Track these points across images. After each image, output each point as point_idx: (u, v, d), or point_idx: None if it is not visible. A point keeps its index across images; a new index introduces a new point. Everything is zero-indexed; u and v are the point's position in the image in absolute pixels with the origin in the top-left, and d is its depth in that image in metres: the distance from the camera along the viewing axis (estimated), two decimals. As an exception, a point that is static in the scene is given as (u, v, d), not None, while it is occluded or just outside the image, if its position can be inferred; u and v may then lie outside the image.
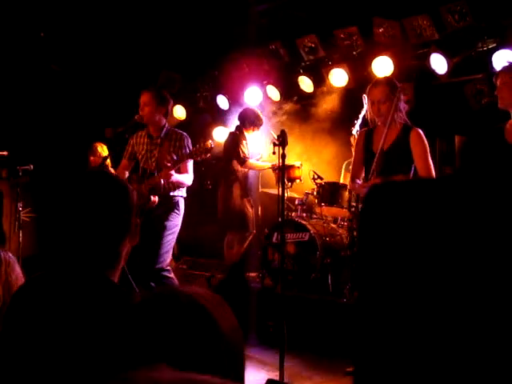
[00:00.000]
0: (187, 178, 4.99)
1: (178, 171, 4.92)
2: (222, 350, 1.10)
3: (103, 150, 7.16)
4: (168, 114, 5.17)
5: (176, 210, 4.99)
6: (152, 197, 4.84)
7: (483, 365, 0.93)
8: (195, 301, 1.13)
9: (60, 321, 1.47)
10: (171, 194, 4.96)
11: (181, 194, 5.05)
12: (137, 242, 1.76)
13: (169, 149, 4.92)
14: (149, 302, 1.13)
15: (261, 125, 6.69)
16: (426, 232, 1.01)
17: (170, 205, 4.96)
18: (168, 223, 4.93)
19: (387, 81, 4.46)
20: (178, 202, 5.01)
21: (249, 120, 6.62)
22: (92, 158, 6.99)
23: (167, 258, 5.00)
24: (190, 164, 5.01)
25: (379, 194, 1.12)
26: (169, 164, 4.74)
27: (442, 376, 0.98)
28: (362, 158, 4.47)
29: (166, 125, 5.10)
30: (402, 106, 4.30)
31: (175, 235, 5.03)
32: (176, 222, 5.00)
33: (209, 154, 4.84)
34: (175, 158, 4.80)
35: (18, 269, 2.22)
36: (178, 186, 4.95)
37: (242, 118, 6.69)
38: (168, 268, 4.99)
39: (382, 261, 1.05)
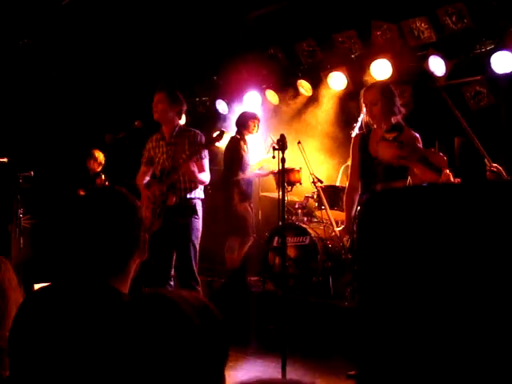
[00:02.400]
0: (204, 176, 4.98)
1: (201, 168, 4.92)
2: (203, 355, 1.11)
3: (100, 156, 7.22)
4: (181, 114, 5.16)
5: (195, 215, 4.96)
6: (170, 195, 4.84)
7: (483, 365, 0.93)
8: (177, 306, 1.14)
9: (64, 331, 1.48)
10: (189, 196, 4.93)
11: (198, 195, 5.02)
12: (146, 257, 1.78)
13: (184, 147, 4.91)
14: (134, 305, 1.14)
15: (258, 119, 6.67)
16: (423, 237, 1.01)
17: (189, 210, 4.94)
18: (191, 228, 4.92)
19: (379, 84, 4.57)
20: (195, 204, 4.98)
21: (246, 119, 6.62)
22: (91, 163, 7.07)
23: (196, 262, 4.98)
24: (206, 162, 4.99)
25: (377, 200, 1.12)
26: (184, 156, 4.75)
27: (442, 377, 0.98)
28: (358, 163, 4.47)
29: (179, 124, 5.10)
30: (398, 109, 4.31)
31: (199, 239, 5.01)
32: (198, 225, 4.98)
33: (219, 141, 4.90)
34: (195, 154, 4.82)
35: (11, 273, 2.23)
36: (195, 182, 4.91)
37: (239, 121, 6.69)
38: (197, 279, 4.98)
39: (380, 266, 1.06)
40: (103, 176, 7.10)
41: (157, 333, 1.09)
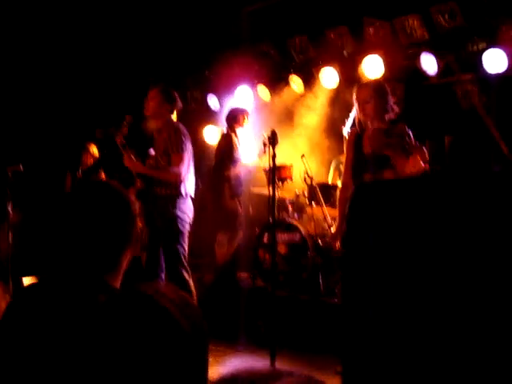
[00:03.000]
0: (167, 172, 4.82)
1: (169, 164, 4.82)
2: (184, 348, 1.10)
3: (94, 150, 7.15)
4: (172, 112, 5.05)
5: (167, 211, 4.84)
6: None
7: (474, 362, 0.93)
8: (156, 302, 1.14)
9: (55, 328, 1.47)
10: (159, 193, 4.88)
11: (170, 191, 4.85)
12: (138, 253, 1.79)
13: (162, 142, 4.88)
14: (112, 304, 1.14)
15: (247, 113, 6.66)
16: (413, 229, 1.01)
17: (160, 206, 4.87)
18: (176, 226, 4.83)
19: (372, 82, 4.61)
20: (166, 201, 4.85)
21: (235, 113, 6.61)
22: (84, 157, 7.01)
23: (183, 257, 4.89)
24: (179, 157, 4.80)
25: (366, 192, 1.12)
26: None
27: (429, 374, 0.98)
28: (352, 161, 4.46)
29: (169, 121, 5.01)
30: (391, 107, 4.32)
31: (182, 229, 4.87)
32: (181, 219, 4.86)
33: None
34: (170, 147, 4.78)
35: None
36: (157, 179, 4.83)
37: (229, 116, 6.68)
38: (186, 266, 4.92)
39: (368, 259, 1.05)
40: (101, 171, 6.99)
41: (135, 331, 1.09)
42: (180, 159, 4.80)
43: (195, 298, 4.88)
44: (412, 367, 1.01)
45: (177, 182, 4.81)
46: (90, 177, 6.84)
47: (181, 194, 4.86)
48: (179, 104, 5.15)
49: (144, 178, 4.92)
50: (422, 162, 4.03)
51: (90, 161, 7.16)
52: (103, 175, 6.69)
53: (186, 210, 4.93)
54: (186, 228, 4.92)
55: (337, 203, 4.78)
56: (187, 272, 4.90)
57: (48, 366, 1.44)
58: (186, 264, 4.90)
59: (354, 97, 4.40)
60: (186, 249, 4.96)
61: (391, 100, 4.38)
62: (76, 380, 1.34)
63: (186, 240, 4.94)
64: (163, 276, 5.01)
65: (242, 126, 6.62)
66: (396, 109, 4.36)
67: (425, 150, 4.18)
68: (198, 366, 1.14)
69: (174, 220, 4.83)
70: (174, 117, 5.05)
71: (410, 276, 1.02)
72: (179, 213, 4.86)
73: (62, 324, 1.48)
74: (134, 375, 1.04)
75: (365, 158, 4.28)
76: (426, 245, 1.01)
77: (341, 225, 4.39)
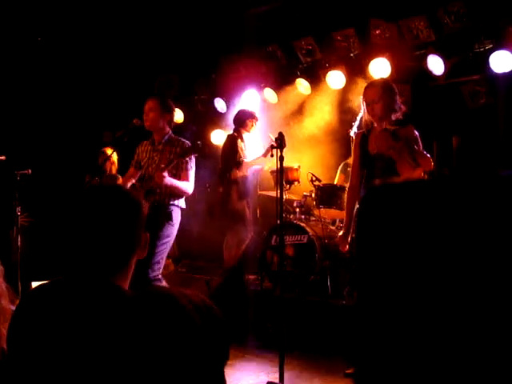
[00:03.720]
0: (186, 186, 4.93)
1: (178, 179, 4.88)
2: (204, 354, 1.11)
3: (113, 156, 7.07)
4: (172, 122, 5.12)
5: (170, 221, 4.89)
6: (145, 202, 4.82)
7: (484, 365, 0.93)
8: (177, 301, 1.14)
9: (67, 329, 1.48)
10: (167, 201, 4.89)
11: (177, 203, 4.95)
12: (145, 255, 1.79)
13: (169, 156, 4.90)
14: (137, 302, 1.15)
15: (256, 118, 6.67)
16: (423, 233, 1.01)
17: (164, 214, 4.88)
18: (161, 233, 4.82)
19: (381, 82, 4.53)
20: (172, 211, 4.91)
21: (244, 117, 6.62)
22: (106, 163, 6.97)
23: (158, 268, 4.85)
24: (191, 173, 4.95)
25: (377, 195, 1.12)
26: (162, 165, 4.74)
27: (443, 377, 0.98)
28: (359, 162, 4.44)
29: (170, 132, 5.07)
30: (398, 106, 4.31)
31: (168, 246, 4.92)
32: (169, 232, 4.89)
33: (196, 154, 4.85)
34: (180, 164, 4.81)
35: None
36: (175, 191, 4.89)
37: (237, 119, 6.69)
38: (159, 277, 4.87)
39: (380, 262, 1.05)
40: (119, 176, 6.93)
41: (159, 330, 1.09)
42: (193, 176, 4.98)
43: None
44: (426, 369, 1.01)
45: (185, 196, 4.99)
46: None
47: (182, 207, 5.01)
48: (175, 113, 5.27)
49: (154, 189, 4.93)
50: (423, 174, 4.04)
51: (109, 165, 7.05)
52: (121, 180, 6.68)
53: (178, 222, 5.01)
54: (173, 239, 4.99)
55: (344, 205, 4.76)
56: (161, 282, 4.92)
57: (62, 365, 1.44)
58: (160, 276, 4.91)
59: (362, 97, 4.39)
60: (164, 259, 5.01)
61: (399, 100, 4.38)
62: (89, 378, 1.35)
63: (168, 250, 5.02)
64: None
65: (248, 131, 6.63)
66: (403, 108, 4.35)
67: (431, 159, 4.17)
68: (216, 371, 1.14)
69: (165, 229, 4.87)
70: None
71: (425, 279, 1.01)
72: (173, 223, 4.93)
73: (72, 324, 1.48)
74: (149, 372, 1.05)
75: (370, 159, 4.27)
76: (440, 248, 1.01)
77: (348, 226, 4.38)
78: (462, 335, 0.95)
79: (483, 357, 0.93)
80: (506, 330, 0.92)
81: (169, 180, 4.77)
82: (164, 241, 4.88)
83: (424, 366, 0.97)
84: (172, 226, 4.93)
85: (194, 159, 4.96)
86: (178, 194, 4.93)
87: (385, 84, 4.39)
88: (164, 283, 4.92)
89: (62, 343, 1.45)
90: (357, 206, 4.34)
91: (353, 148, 4.53)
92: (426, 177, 4.07)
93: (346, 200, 4.57)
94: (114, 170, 6.96)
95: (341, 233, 4.47)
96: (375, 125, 4.35)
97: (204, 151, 4.88)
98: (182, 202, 5.02)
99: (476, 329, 0.93)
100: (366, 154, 4.33)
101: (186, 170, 4.92)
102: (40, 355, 1.47)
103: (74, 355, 1.42)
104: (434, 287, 0.97)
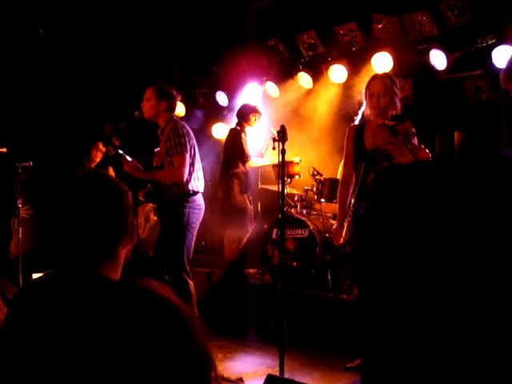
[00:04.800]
0: (168, 174, 4.82)
1: (172, 164, 4.77)
2: (182, 348, 1.10)
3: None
4: (172, 109, 4.97)
5: (176, 209, 4.82)
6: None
7: (482, 354, 0.94)
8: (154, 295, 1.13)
9: (55, 322, 1.47)
10: (167, 192, 4.85)
11: (177, 190, 4.82)
12: (134, 243, 1.77)
13: (164, 142, 4.88)
14: (106, 295, 1.14)
15: (260, 112, 6.67)
16: (432, 213, 1.01)
17: (169, 204, 4.87)
18: (181, 224, 4.80)
19: (387, 75, 4.48)
20: (175, 199, 4.82)
21: (247, 111, 6.62)
22: (94, 153, 7.02)
23: (188, 255, 4.88)
24: (180, 158, 4.73)
25: (385, 177, 1.12)
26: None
27: (445, 371, 0.98)
28: (352, 155, 4.36)
29: (170, 118, 4.92)
30: (398, 101, 4.28)
31: (190, 232, 4.86)
32: (188, 220, 4.83)
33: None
34: (170, 148, 4.77)
35: None
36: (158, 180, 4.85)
37: (240, 112, 6.70)
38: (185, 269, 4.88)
39: (388, 246, 1.05)
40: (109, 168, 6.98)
41: (129, 325, 1.08)
42: (181, 160, 4.74)
43: (195, 301, 4.88)
44: (429, 362, 1.02)
45: (180, 182, 4.78)
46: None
47: (189, 192, 4.84)
48: (177, 98, 5.08)
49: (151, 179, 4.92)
50: None
51: (99, 157, 7.17)
52: (112, 173, 6.69)
53: (195, 208, 4.89)
54: (193, 226, 4.87)
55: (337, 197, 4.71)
56: (188, 275, 4.86)
57: (43, 360, 1.44)
58: (187, 268, 4.84)
59: (366, 89, 4.32)
60: (191, 247, 4.91)
61: (400, 96, 4.36)
62: (69, 372, 1.35)
63: (193, 238, 4.91)
64: (167, 277, 4.99)
65: (251, 125, 6.64)
66: (400, 106, 4.30)
67: (427, 151, 4.13)
68: (197, 367, 1.14)
69: (181, 218, 4.79)
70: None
71: (435, 261, 1.02)
72: (187, 210, 4.82)
73: (56, 317, 1.48)
74: (124, 370, 1.05)
75: (366, 153, 4.19)
76: (448, 229, 1.01)
77: (342, 220, 4.32)
78: (466, 328, 0.95)
79: (482, 347, 0.94)
80: (506, 319, 0.92)
81: (131, 169, 4.75)
82: (187, 228, 4.83)
83: (426, 358, 0.97)
84: (179, 216, 4.81)
85: (187, 142, 4.79)
86: (172, 183, 4.83)
87: (391, 78, 4.35)
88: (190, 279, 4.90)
89: (43, 337, 1.45)
90: (350, 199, 4.28)
91: (345, 141, 4.44)
92: None
93: (338, 194, 4.50)
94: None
95: (335, 226, 4.41)
96: (372, 118, 4.29)
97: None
98: (188, 187, 4.83)
99: (479, 319, 0.94)
100: (362, 148, 4.25)
101: (173, 154, 4.75)
102: (27, 351, 1.47)
103: (54, 348, 1.42)
104: (441, 274, 0.97)
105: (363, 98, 4.38)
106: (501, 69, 5.55)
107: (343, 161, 4.55)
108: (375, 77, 4.38)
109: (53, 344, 1.43)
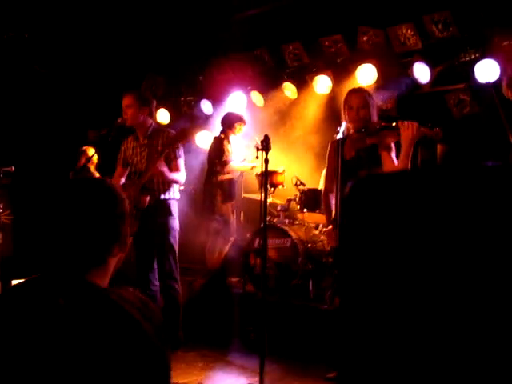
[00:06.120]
0: (179, 176, 4.98)
1: (169, 170, 4.89)
2: (147, 350, 1.10)
3: (90, 153, 7.11)
4: (152, 113, 5.13)
5: (171, 215, 4.99)
6: (142, 197, 4.82)
7: (469, 368, 0.94)
8: (120, 306, 1.13)
9: (19, 328, 1.45)
10: (162, 197, 4.93)
11: (173, 196, 5.02)
12: (126, 252, 1.73)
13: (157, 148, 4.89)
14: (76, 305, 1.13)
15: (244, 122, 6.69)
16: (410, 224, 1.00)
17: (164, 210, 4.96)
18: (168, 230, 4.96)
19: (364, 89, 4.60)
20: (170, 205, 4.99)
21: (232, 120, 6.63)
22: (81, 159, 6.99)
23: (175, 263, 5.03)
24: (181, 161, 4.98)
25: (363, 186, 1.11)
26: (156, 156, 4.77)
27: (426, 379, 0.98)
28: (334, 168, 4.45)
29: (153, 124, 5.08)
30: (375, 114, 4.34)
31: (176, 239, 5.06)
32: (174, 226, 5.02)
33: (184, 140, 4.86)
34: (169, 155, 4.83)
35: None
36: (170, 182, 4.93)
37: (225, 120, 6.70)
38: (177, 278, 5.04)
39: (366, 257, 1.05)
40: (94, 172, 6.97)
41: (94, 334, 1.08)
42: (182, 164, 5.00)
43: (181, 306, 5.10)
44: (413, 371, 1.01)
45: (181, 184, 5.08)
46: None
47: (177, 198, 5.07)
48: (154, 102, 5.22)
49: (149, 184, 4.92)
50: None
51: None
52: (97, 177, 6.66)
53: (177, 214, 5.08)
54: (177, 231, 5.06)
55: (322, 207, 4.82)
56: (177, 283, 5.05)
57: (10, 366, 1.42)
58: (177, 276, 5.02)
59: (346, 102, 4.36)
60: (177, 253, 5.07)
61: (376, 107, 4.44)
62: (35, 379, 1.33)
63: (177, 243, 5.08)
64: (156, 283, 5.05)
65: (235, 134, 6.65)
66: (377, 118, 4.36)
67: (413, 124, 4.06)
68: (160, 369, 1.13)
69: (173, 225, 5.00)
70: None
71: (413, 273, 1.01)
72: (175, 216, 5.02)
73: (26, 324, 1.45)
74: (93, 377, 1.04)
75: (346, 163, 4.24)
76: (427, 241, 1.00)
77: (331, 221, 4.40)
78: (449, 336, 0.95)
79: (469, 360, 0.94)
80: (493, 332, 0.93)
81: (166, 172, 4.81)
82: (173, 235, 5.00)
83: (408, 369, 0.97)
84: (174, 218, 5.03)
85: (181, 147, 4.97)
86: (171, 185, 4.97)
87: (367, 91, 4.47)
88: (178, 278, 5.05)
89: (13, 344, 1.42)
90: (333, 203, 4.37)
91: (328, 155, 4.53)
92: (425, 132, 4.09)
93: (322, 204, 4.59)
94: (92, 168, 6.97)
95: (329, 227, 4.45)
96: (351, 132, 4.33)
97: (190, 136, 4.90)
98: (177, 194, 5.08)
99: (463, 330, 0.94)
100: (343, 159, 4.31)
101: (176, 159, 4.93)
102: (8, 356, 1.44)
103: (20, 356, 1.39)
104: (421, 284, 0.97)
105: (342, 112, 4.41)
106: (483, 83, 5.63)
107: (324, 171, 4.61)
108: (353, 91, 4.46)
109: (36, 348, 1.41)
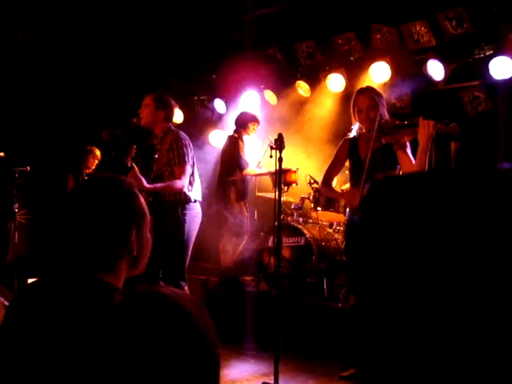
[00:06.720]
0: (170, 186, 4.77)
1: (172, 175, 4.83)
2: (200, 349, 1.10)
3: (98, 153, 7.19)
4: (169, 118, 4.99)
5: (174, 219, 4.82)
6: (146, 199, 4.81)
7: (482, 364, 0.94)
8: (175, 301, 1.12)
9: (54, 328, 1.46)
10: (167, 199, 4.85)
11: (178, 197, 4.84)
12: (142, 267, 1.71)
13: (165, 152, 4.87)
14: (129, 302, 1.13)
15: (258, 122, 6.69)
16: (426, 226, 1.00)
17: (169, 211, 4.84)
18: (181, 230, 4.82)
19: (371, 88, 4.55)
20: (175, 206, 4.83)
21: (246, 120, 6.63)
22: (92, 159, 7.05)
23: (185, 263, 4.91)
24: (187, 168, 4.79)
25: (381, 188, 1.12)
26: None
27: (442, 377, 0.98)
28: (340, 165, 4.61)
29: (167, 128, 4.94)
30: (386, 112, 4.33)
31: (190, 239, 4.89)
32: (189, 226, 4.86)
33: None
34: (172, 159, 4.78)
35: None
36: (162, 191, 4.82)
37: (239, 120, 6.70)
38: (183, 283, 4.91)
39: (383, 257, 1.05)
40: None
41: (152, 334, 1.08)
42: (182, 172, 4.77)
43: None
44: (425, 369, 1.01)
45: (180, 192, 4.81)
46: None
47: (190, 201, 4.88)
48: (174, 107, 5.09)
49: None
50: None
51: (94, 164, 7.19)
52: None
53: (195, 215, 4.93)
54: (193, 234, 4.90)
55: (342, 208, 4.86)
56: (185, 283, 4.93)
57: (42, 364, 1.43)
58: (185, 276, 4.91)
59: (355, 104, 4.35)
60: (189, 255, 4.95)
61: (386, 105, 4.43)
62: (69, 376, 1.34)
63: (191, 246, 4.94)
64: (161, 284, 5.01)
65: (248, 134, 6.64)
66: (387, 116, 4.35)
67: (428, 122, 4.03)
68: (211, 368, 1.13)
69: (181, 225, 4.81)
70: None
71: (428, 272, 1.01)
72: (188, 218, 4.85)
73: (56, 321, 1.45)
74: (146, 376, 1.04)
75: (361, 163, 4.27)
76: (442, 241, 1.00)
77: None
78: (461, 334, 0.95)
79: (480, 357, 0.94)
80: (502, 330, 0.92)
81: (140, 182, 4.60)
82: (187, 234, 4.85)
83: (423, 367, 0.97)
84: (180, 223, 4.82)
85: (191, 152, 4.84)
86: (164, 192, 4.82)
87: (376, 90, 4.45)
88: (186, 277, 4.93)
89: (44, 342, 1.43)
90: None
91: (336, 151, 4.54)
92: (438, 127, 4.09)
93: (323, 191, 4.95)
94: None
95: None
96: (364, 131, 4.34)
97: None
98: (188, 195, 4.85)
99: (475, 328, 0.94)
100: (356, 160, 4.36)
101: (180, 164, 4.77)
102: (27, 355, 1.45)
103: (61, 356, 1.40)
104: (436, 285, 0.97)
105: (352, 113, 4.40)
106: (498, 80, 5.58)
107: (348, 171, 4.66)
108: (360, 92, 4.42)
109: (52, 347, 1.42)
